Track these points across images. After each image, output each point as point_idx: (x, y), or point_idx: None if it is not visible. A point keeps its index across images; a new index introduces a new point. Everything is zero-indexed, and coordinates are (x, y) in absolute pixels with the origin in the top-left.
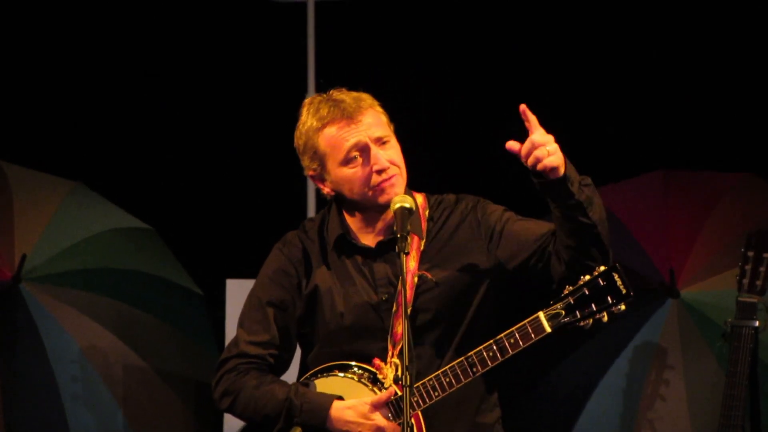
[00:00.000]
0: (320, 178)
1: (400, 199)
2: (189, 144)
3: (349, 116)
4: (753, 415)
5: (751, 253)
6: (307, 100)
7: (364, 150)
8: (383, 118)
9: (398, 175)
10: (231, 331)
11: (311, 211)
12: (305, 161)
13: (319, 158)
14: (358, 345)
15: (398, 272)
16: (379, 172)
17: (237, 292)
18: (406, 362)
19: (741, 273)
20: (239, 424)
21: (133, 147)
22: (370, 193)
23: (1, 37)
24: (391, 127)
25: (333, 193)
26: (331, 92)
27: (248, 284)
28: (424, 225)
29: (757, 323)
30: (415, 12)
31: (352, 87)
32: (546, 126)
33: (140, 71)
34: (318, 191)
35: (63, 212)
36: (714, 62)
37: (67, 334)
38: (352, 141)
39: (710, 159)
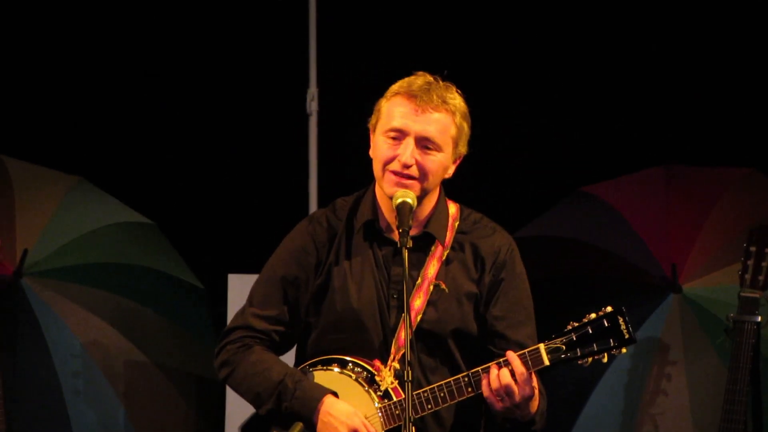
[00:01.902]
0: (372, 133)
1: (402, 194)
2: (191, 139)
3: (420, 102)
4: (755, 410)
5: (753, 248)
6: (419, 72)
7: (402, 135)
8: (451, 131)
9: (416, 182)
10: None
11: (313, 206)
12: (373, 113)
13: (377, 117)
14: (360, 339)
15: (413, 271)
16: (402, 165)
17: (238, 286)
18: (408, 358)
19: (743, 268)
20: (240, 418)
21: (135, 142)
22: (382, 174)
23: (3, 32)
24: (457, 145)
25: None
26: (437, 78)
27: (250, 279)
28: (450, 235)
29: (759, 318)
30: (417, 6)
31: (352, 83)
32: (547, 122)
33: (142, 66)
34: (320, 187)
35: (65, 207)
36: (715, 57)
37: (69, 329)
38: (401, 122)
39: (712, 154)
